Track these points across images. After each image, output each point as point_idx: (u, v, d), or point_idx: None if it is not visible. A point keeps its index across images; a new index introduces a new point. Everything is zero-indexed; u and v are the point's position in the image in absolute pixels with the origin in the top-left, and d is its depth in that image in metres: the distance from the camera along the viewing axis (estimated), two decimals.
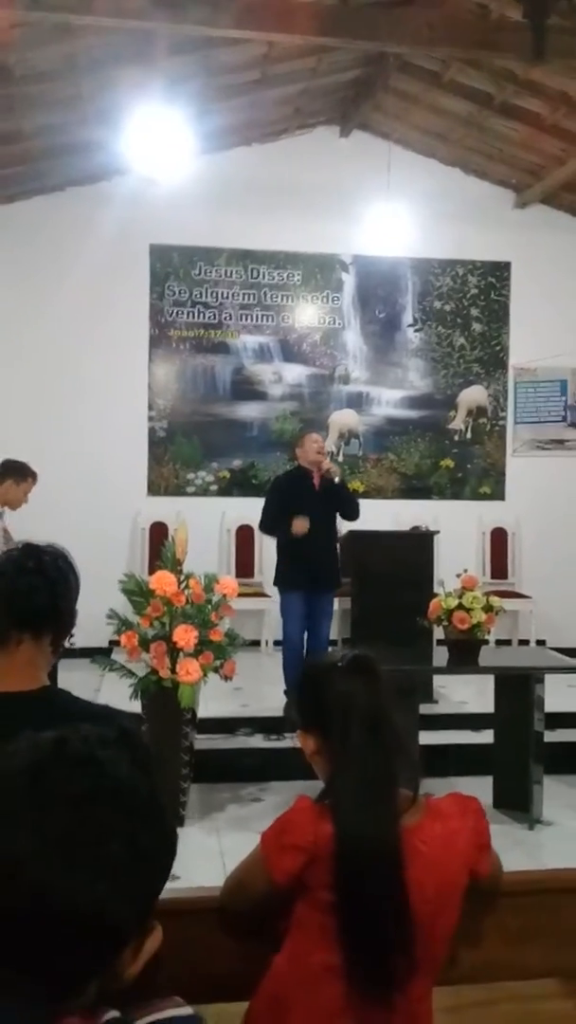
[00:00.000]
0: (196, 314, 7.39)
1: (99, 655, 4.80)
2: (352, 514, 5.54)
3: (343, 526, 5.70)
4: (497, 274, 7.75)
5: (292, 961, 1.53)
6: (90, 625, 4.64)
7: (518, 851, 3.85)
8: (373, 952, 1.42)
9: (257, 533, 7.11)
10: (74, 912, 0.74)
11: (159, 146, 5.04)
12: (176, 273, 7.35)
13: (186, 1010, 0.81)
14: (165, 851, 0.83)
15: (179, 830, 4.38)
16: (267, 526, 5.62)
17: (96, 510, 6.98)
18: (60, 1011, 0.75)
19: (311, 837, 1.50)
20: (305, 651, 5.53)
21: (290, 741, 5.21)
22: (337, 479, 5.49)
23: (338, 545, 5.70)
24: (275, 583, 5.64)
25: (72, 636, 1.85)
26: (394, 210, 6.65)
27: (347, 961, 1.43)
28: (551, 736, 4.66)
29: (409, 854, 1.46)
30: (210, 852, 3.96)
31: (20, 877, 0.74)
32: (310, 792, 1.62)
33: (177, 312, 7.36)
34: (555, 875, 1.99)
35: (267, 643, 6.90)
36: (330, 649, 1.64)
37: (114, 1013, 0.76)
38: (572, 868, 2.02)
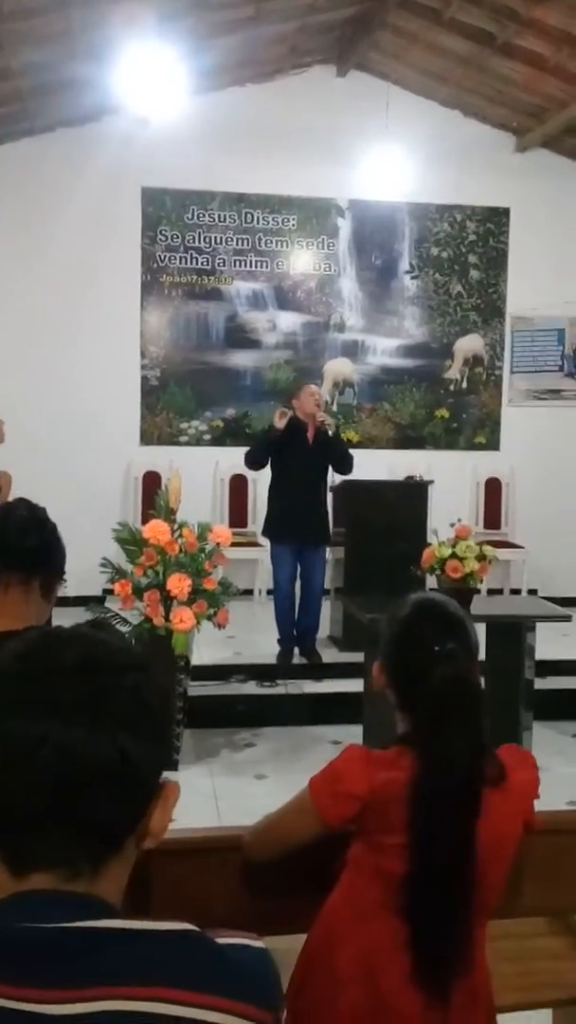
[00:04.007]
0: (189, 260, 7.27)
1: (93, 603, 4.82)
2: (345, 468, 5.51)
3: (336, 477, 5.69)
4: (496, 220, 7.63)
5: (347, 898, 1.57)
6: (84, 573, 4.66)
7: None
8: (438, 894, 1.45)
9: (251, 483, 7.12)
10: (104, 762, 0.81)
11: (151, 84, 4.92)
12: (168, 217, 7.22)
13: (258, 943, 0.87)
14: (163, 697, 0.92)
15: (173, 774, 4.44)
16: (252, 453, 5.56)
17: (88, 460, 6.95)
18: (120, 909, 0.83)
19: (365, 785, 1.51)
20: (298, 600, 5.57)
21: (282, 688, 5.27)
22: (331, 432, 5.44)
23: (329, 498, 5.69)
24: (263, 533, 5.67)
25: (64, 583, 1.86)
26: (392, 153, 6.52)
27: (409, 901, 1.46)
28: (541, 683, 4.72)
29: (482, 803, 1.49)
30: (204, 795, 4.02)
31: (46, 748, 0.80)
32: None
33: (169, 258, 7.25)
34: (542, 817, 2.02)
35: (260, 592, 6.93)
36: (422, 602, 1.60)
37: (190, 925, 0.83)
38: (561, 811, 2.06)
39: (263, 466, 5.65)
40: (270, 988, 0.83)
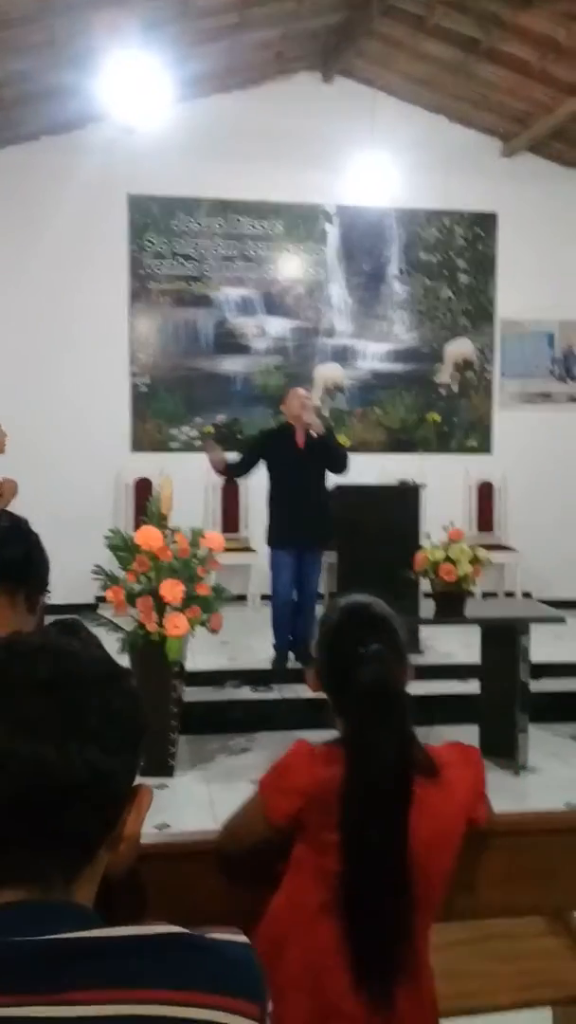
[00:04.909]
0: (177, 266, 7.27)
1: (86, 611, 4.81)
2: (338, 468, 5.49)
3: (328, 481, 5.68)
4: (484, 225, 7.66)
5: (290, 901, 1.56)
6: (76, 581, 4.67)
7: (504, 796, 3.88)
8: (372, 891, 1.45)
9: (242, 488, 7.11)
10: (73, 777, 0.81)
11: (136, 92, 4.92)
12: (155, 224, 7.23)
13: (242, 938, 0.87)
14: (135, 706, 0.90)
15: (169, 780, 4.41)
16: (231, 467, 5.61)
17: (80, 467, 6.94)
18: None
19: (308, 779, 1.53)
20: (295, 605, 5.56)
21: (277, 693, 5.26)
22: (315, 434, 5.39)
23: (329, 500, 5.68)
24: (267, 541, 5.60)
25: (48, 594, 1.85)
26: (378, 159, 6.53)
27: (345, 900, 1.46)
28: (536, 685, 4.71)
29: (415, 800, 1.49)
30: (200, 801, 4.00)
31: (15, 762, 0.80)
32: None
33: (157, 264, 7.25)
34: (539, 817, 2.02)
35: (254, 597, 6.92)
36: (350, 605, 1.66)
37: (175, 927, 0.82)
38: (555, 810, 2.05)
39: (241, 475, 5.71)
40: (256, 981, 0.83)
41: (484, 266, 7.68)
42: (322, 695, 1.68)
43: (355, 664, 1.54)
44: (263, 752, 4.68)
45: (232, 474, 5.68)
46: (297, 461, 5.38)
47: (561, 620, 4.43)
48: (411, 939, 1.48)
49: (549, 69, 6.33)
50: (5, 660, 0.85)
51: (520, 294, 7.61)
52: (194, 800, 3.99)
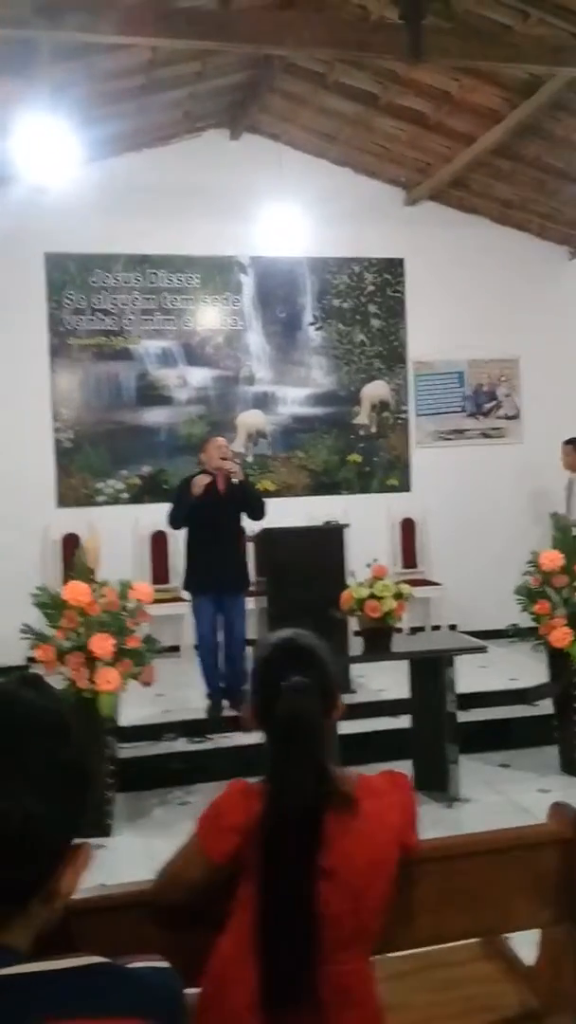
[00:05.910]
0: (96, 321, 7.34)
1: (16, 672, 4.74)
2: (257, 514, 5.61)
3: (254, 525, 5.76)
4: (392, 270, 7.92)
5: (236, 940, 1.57)
6: (5, 642, 4.61)
7: (438, 829, 3.91)
8: (282, 922, 1.48)
9: (171, 538, 7.12)
10: (12, 826, 0.81)
11: (45, 154, 5.00)
12: (73, 281, 7.29)
13: (164, 963, 0.90)
14: (82, 761, 0.91)
15: (106, 840, 4.32)
16: (174, 517, 5.62)
17: (5, 525, 6.87)
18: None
19: (244, 816, 1.55)
20: (223, 651, 5.58)
21: (214, 743, 5.24)
22: (235, 480, 5.49)
23: (247, 545, 5.75)
24: (184, 587, 5.68)
25: None
26: (288, 211, 6.73)
27: (257, 929, 1.49)
28: (465, 716, 4.80)
29: (341, 829, 1.53)
30: (139, 858, 3.94)
31: None
32: None
33: (77, 321, 7.30)
34: (463, 840, 2.08)
35: (186, 647, 6.90)
36: (277, 640, 1.71)
37: (96, 957, 0.84)
38: (482, 832, 2.12)
39: (183, 525, 5.69)
40: (172, 1002, 0.87)
41: (394, 310, 7.93)
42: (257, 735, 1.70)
43: (277, 696, 1.57)
44: (201, 803, 4.63)
45: (180, 524, 5.68)
46: (217, 507, 5.45)
47: (483, 649, 4.53)
48: (314, 970, 1.49)
49: (445, 121, 6.64)
50: None
51: (429, 335, 7.87)
52: (133, 857, 3.93)
